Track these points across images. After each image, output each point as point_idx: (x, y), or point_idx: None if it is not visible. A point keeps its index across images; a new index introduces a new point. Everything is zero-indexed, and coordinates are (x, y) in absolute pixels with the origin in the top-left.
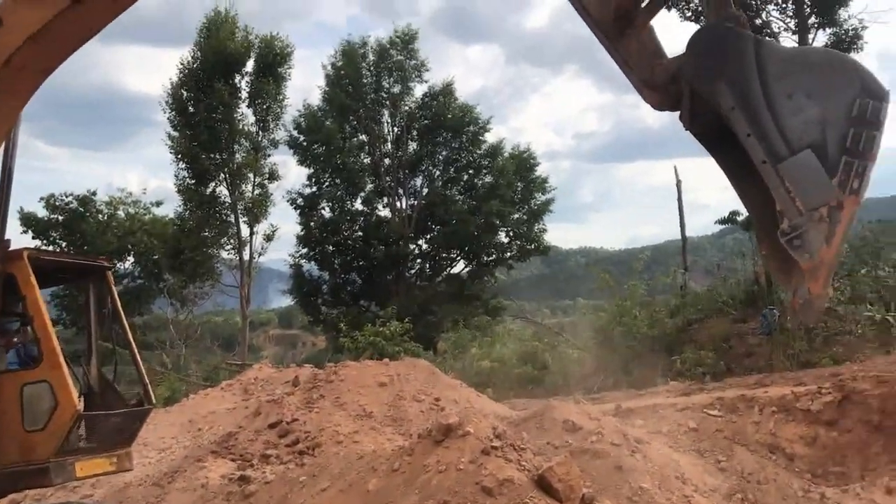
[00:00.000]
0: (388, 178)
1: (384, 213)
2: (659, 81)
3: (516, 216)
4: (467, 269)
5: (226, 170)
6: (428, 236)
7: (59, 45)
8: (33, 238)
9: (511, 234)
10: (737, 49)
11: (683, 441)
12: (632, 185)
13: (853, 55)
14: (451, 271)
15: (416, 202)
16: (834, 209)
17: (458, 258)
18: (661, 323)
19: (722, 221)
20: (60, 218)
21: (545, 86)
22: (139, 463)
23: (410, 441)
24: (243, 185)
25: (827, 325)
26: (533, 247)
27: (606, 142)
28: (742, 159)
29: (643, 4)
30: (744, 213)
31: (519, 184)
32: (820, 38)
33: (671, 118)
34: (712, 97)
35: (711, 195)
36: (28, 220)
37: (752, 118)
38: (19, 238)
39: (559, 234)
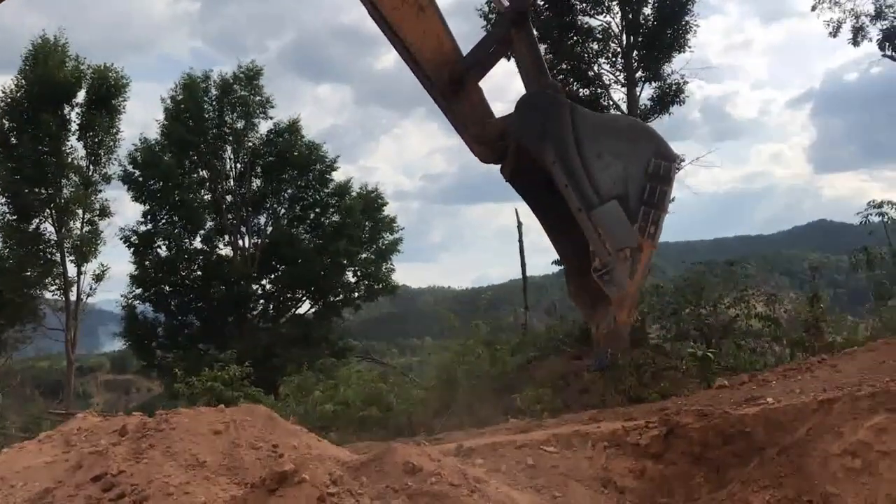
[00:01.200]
0: (230, 216)
1: (226, 251)
2: (489, 138)
3: (364, 255)
4: (314, 310)
5: (52, 205)
6: (272, 276)
7: None
8: None
9: (359, 273)
10: (557, 114)
11: (521, 478)
12: (479, 226)
13: (676, 107)
14: (297, 312)
15: (259, 241)
16: (635, 250)
17: (304, 298)
18: (503, 361)
19: (559, 262)
20: None
21: (394, 127)
22: None
23: (244, 491)
24: (71, 222)
25: (655, 361)
26: (381, 286)
27: (453, 183)
28: (554, 209)
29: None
30: None
31: (367, 223)
32: (647, 91)
33: None
34: (537, 153)
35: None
36: None
37: (569, 172)
38: None
39: (409, 273)
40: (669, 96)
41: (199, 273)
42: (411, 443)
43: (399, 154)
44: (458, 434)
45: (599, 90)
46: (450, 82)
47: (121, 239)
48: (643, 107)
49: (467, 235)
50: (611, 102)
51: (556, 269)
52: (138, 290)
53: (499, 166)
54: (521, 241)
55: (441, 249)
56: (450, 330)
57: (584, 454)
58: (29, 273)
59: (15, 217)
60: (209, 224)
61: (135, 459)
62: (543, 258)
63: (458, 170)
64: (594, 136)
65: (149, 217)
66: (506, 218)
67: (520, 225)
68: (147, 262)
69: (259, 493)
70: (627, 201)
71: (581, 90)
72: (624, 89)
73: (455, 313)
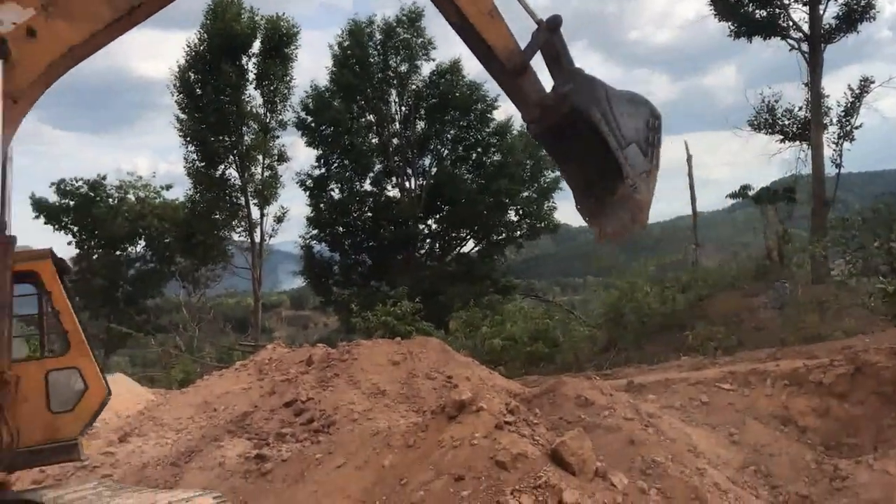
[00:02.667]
0: (396, 158)
1: (393, 193)
2: (549, 102)
3: (525, 194)
4: (477, 249)
5: (235, 152)
6: (437, 216)
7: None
8: (45, 223)
9: (520, 212)
10: (598, 87)
11: (695, 415)
12: None
13: (864, 24)
14: (461, 251)
15: (424, 182)
16: (648, 174)
17: (468, 237)
18: (672, 299)
19: (733, 196)
20: (71, 203)
21: None
22: (157, 443)
23: (424, 417)
24: (252, 168)
25: (838, 297)
26: (542, 225)
27: None
28: (570, 154)
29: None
30: (756, 186)
31: (528, 162)
32: (831, 9)
33: (681, 92)
34: (588, 113)
35: (721, 170)
36: (40, 206)
37: (608, 125)
38: (31, 224)
39: (570, 211)
40: (857, 13)
41: (369, 214)
42: (581, 377)
43: None
44: (628, 370)
45: (778, 10)
46: (517, 68)
47: (297, 183)
48: (827, 26)
49: None
50: (790, 23)
51: (728, 203)
52: (314, 231)
53: (680, 88)
54: (690, 174)
55: None
56: (614, 268)
57: (762, 392)
58: (218, 216)
59: (203, 164)
60: (377, 167)
61: (321, 387)
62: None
63: None
64: (617, 102)
65: (322, 161)
66: (670, 152)
67: (689, 157)
68: (321, 205)
69: (439, 419)
70: (640, 144)
71: (758, 11)
72: (805, 8)
73: (619, 252)
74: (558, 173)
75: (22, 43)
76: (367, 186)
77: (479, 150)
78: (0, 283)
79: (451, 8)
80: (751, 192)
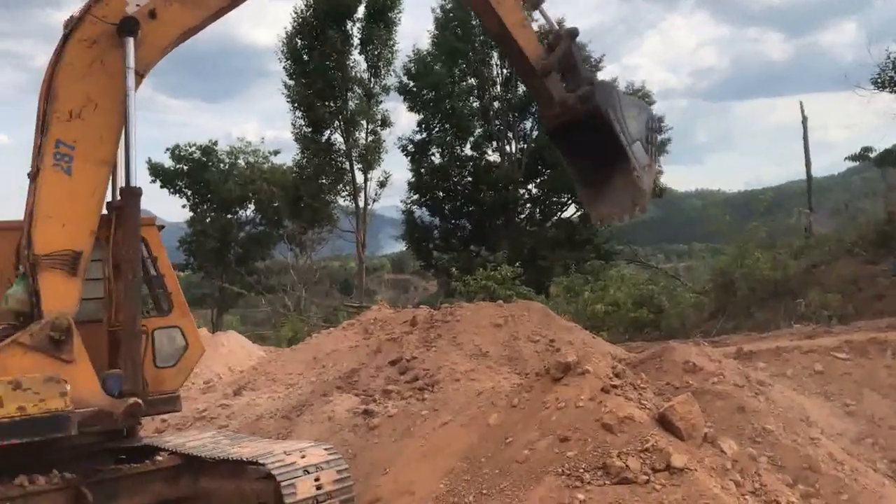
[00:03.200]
0: (497, 122)
1: (493, 157)
2: (571, 101)
3: None
4: (578, 214)
5: (340, 117)
6: (538, 180)
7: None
8: (161, 187)
9: None
10: (613, 91)
11: (809, 384)
12: (752, 124)
13: None
14: (562, 216)
15: (525, 146)
16: (648, 166)
17: (569, 202)
18: (784, 265)
19: (853, 158)
20: (185, 167)
21: (661, 21)
22: (269, 397)
23: (528, 379)
24: (357, 133)
25: None
26: None
27: (725, 78)
28: (575, 147)
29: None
30: (878, 148)
31: None
32: None
33: (796, 51)
34: (605, 113)
35: (838, 133)
36: (156, 170)
37: (620, 124)
38: (148, 187)
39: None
40: None
41: (469, 179)
42: (689, 343)
43: (665, 50)
44: (737, 337)
45: None
46: (545, 70)
47: (399, 148)
48: None
49: (738, 134)
50: None
51: (846, 166)
52: (415, 196)
53: (795, 47)
54: (805, 137)
55: (708, 150)
56: (722, 234)
57: (881, 362)
58: (324, 180)
59: (310, 129)
60: (478, 131)
61: (425, 347)
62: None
63: (729, 63)
64: (626, 106)
65: (423, 126)
66: (782, 113)
67: (804, 119)
68: (422, 170)
69: (544, 381)
70: (643, 142)
71: None
72: None
73: (729, 217)
74: (665, 135)
75: (145, 23)
76: (468, 151)
77: None
78: (132, 233)
79: (495, 19)
80: (872, 155)
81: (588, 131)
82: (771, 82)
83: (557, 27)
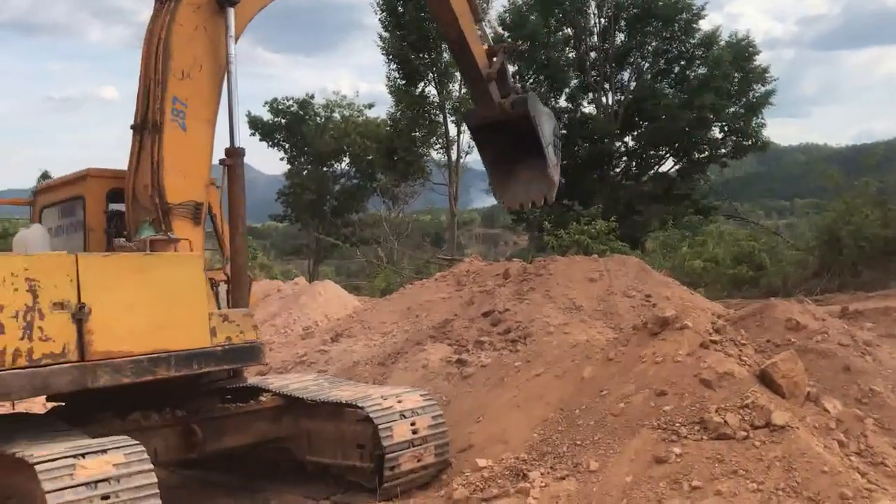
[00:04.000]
0: (593, 73)
1: (589, 109)
2: (507, 105)
3: (732, 110)
4: (676, 168)
5: (434, 69)
6: (634, 133)
7: None
8: (260, 140)
9: (725, 129)
10: (538, 102)
11: None
12: (863, 75)
13: None
14: (659, 170)
15: (622, 97)
16: (557, 165)
17: (667, 156)
18: None
19: None
20: (283, 121)
21: None
22: (365, 344)
23: (625, 332)
24: (451, 85)
25: None
26: (750, 143)
27: (835, 26)
28: (494, 145)
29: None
30: None
31: (736, 74)
32: None
33: None
34: (531, 117)
35: None
36: (255, 124)
37: (542, 129)
38: (248, 140)
39: (777, 130)
40: None
41: (563, 131)
42: (791, 301)
43: None
44: (842, 297)
45: None
46: (490, 77)
47: None
48: None
49: (847, 86)
50: None
51: None
52: None
53: None
54: None
55: (814, 103)
56: (828, 189)
57: None
58: (417, 133)
59: (404, 82)
60: (573, 82)
61: (518, 300)
62: None
63: (840, 10)
64: (543, 114)
65: (517, 77)
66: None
67: None
68: None
69: (641, 335)
70: (553, 145)
71: None
72: None
73: (837, 172)
74: (769, 87)
75: None
76: (563, 103)
77: (682, 62)
78: (240, 190)
79: (455, 30)
80: None
81: (505, 131)
82: (887, 30)
83: (494, 44)
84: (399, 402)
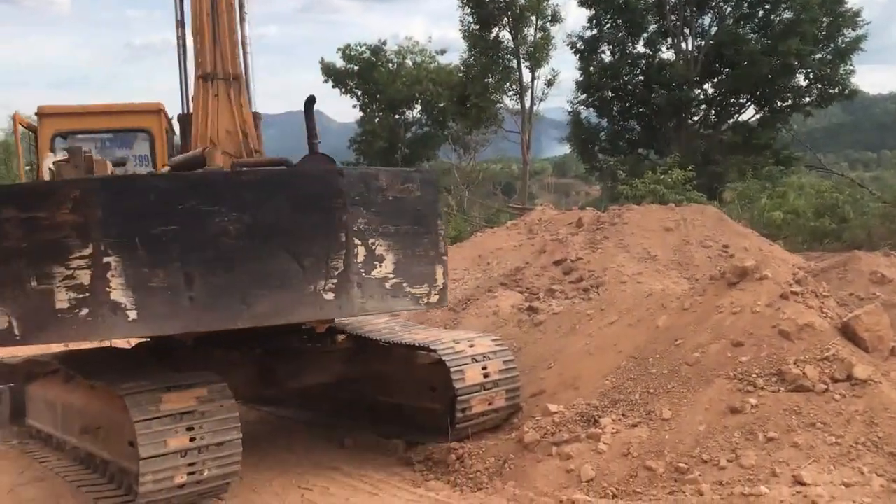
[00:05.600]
0: (673, 17)
1: (667, 55)
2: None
3: (819, 56)
4: (758, 116)
5: (508, 13)
6: (715, 80)
7: None
8: (333, 87)
9: (811, 76)
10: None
11: None
12: None
13: None
14: (739, 118)
15: (702, 43)
16: None
17: (748, 104)
18: None
19: None
20: (355, 68)
21: None
22: None
23: (701, 282)
24: (525, 29)
25: None
26: (836, 91)
27: None
28: None
29: None
30: None
31: (825, 19)
32: None
33: None
34: None
35: None
36: (328, 70)
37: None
38: (321, 87)
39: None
40: None
41: (640, 78)
42: (877, 254)
43: None
44: None
45: None
46: None
47: (568, 45)
48: None
49: None
50: None
51: None
52: (583, 96)
53: None
54: None
55: None
56: None
57: None
58: (490, 79)
59: (478, 26)
60: (652, 27)
61: (590, 248)
62: None
63: None
64: None
65: (593, 22)
66: None
67: None
68: (591, 68)
69: (718, 284)
70: None
71: None
72: None
73: None
74: (860, 31)
75: None
76: (640, 48)
77: (766, 6)
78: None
79: None
80: None
81: None
82: None
83: None
84: (471, 346)
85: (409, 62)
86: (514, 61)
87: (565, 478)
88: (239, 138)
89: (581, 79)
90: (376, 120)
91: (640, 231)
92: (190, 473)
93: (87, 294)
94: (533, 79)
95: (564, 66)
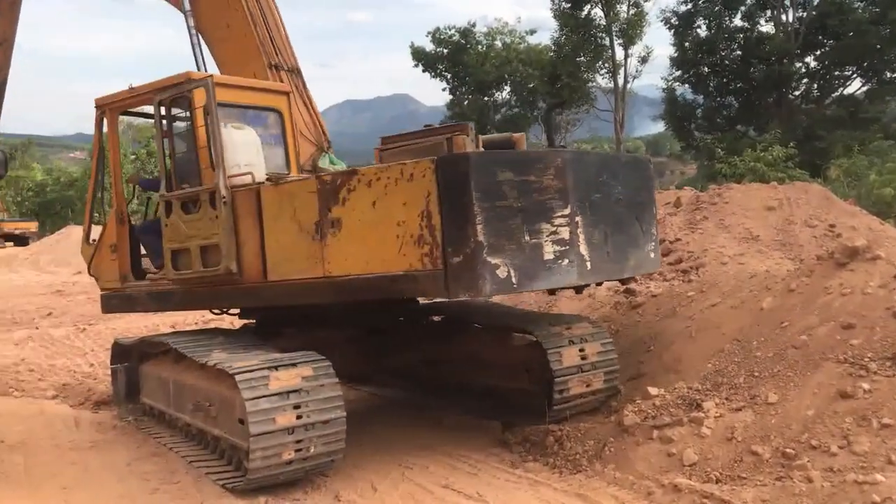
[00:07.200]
0: None
1: (767, 28)
2: None
3: None
4: (864, 89)
5: None
6: (817, 52)
7: None
8: (423, 71)
9: None
10: None
11: None
12: None
13: None
14: (844, 92)
15: (804, 14)
16: None
17: (854, 76)
18: None
19: None
20: (445, 51)
21: None
22: None
23: (808, 262)
24: (618, 6)
25: None
26: None
27: None
28: None
29: None
30: None
31: None
32: None
33: None
34: None
35: None
36: (418, 54)
37: None
38: (411, 71)
39: None
40: None
41: (738, 52)
42: None
43: None
44: None
45: None
46: None
47: (661, 21)
48: None
49: None
50: None
51: None
52: (677, 73)
53: None
54: None
55: None
56: None
57: None
58: (582, 58)
59: (569, 4)
60: None
61: (689, 229)
62: None
63: None
64: None
65: None
66: None
67: None
68: (686, 44)
69: (826, 265)
70: None
71: None
72: None
73: None
74: None
75: None
76: (738, 21)
77: None
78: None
79: None
80: None
81: None
82: None
83: None
84: (568, 328)
85: (498, 43)
86: (607, 39)
87: (667, 461)
88: (314, 129)
89: (676, 55)
90: (465, 102)
91: (742, 211)
92: (297, 450)
93: (567, 247)
94: (626, 56)
95: (658, 42)
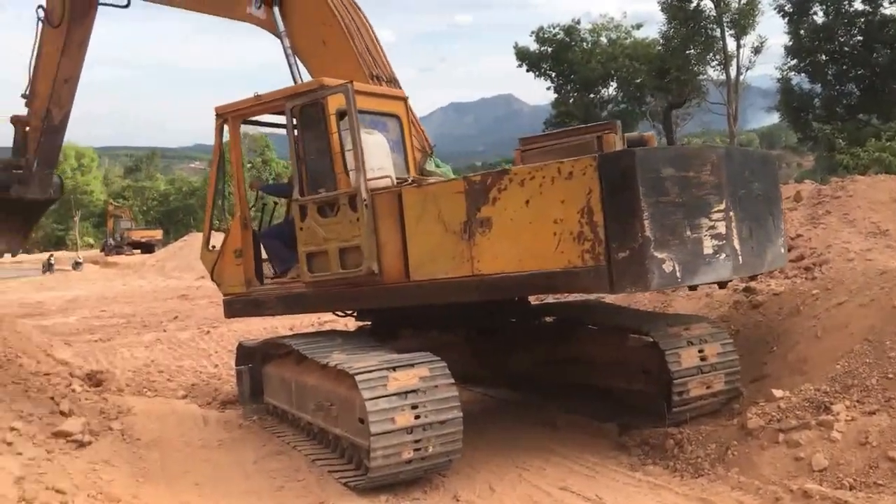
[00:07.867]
0: None
1: (890, 10)
2: None
3: None
4: None
5: None
6: None
7: None
8: (527, 71)
9: None
10: None
11: None
12: None
13: None
14: None
15: None
16: None
17: None
18: None
19: None
20: (549, 49)
21: None
22: None
23: None
24: None
25: None
26: None
27: None
28: None
29: None
30: None
31: None
32: None
33: None
34: None
35: None
36: (522, 55)
37: None
38: (515, 71)
39: None
40: None
41: (858, 38)
42: None
43: None
44: None
45: None
46: None
47: (774, 9)
48: None
49: None
50: None
51: None
52: (793, 62)
53: None
54: None
55: None
56: None
57: None
58: (692, 50)
59: None
60: None
61: (811, 224)
62: None
63: None
64: None
65: None
66: None
67: None
68: (802, 31)
69: None
70: None
71: None
72: None
73: None
74: None
75: None
76: (858, 5)
77: None
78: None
79: None
80: None
81: None
82: None
83: None
84: (686, 329)
85: (603, 39)
86: (717, 30)
87: (794, 466)
88: (416, 133)
89: (791, 43)
90: (571, 100)
91: (868, 204)
92: (416, 449)
93: (724, 242)
94: (738, 47)
95: (771, 31)
